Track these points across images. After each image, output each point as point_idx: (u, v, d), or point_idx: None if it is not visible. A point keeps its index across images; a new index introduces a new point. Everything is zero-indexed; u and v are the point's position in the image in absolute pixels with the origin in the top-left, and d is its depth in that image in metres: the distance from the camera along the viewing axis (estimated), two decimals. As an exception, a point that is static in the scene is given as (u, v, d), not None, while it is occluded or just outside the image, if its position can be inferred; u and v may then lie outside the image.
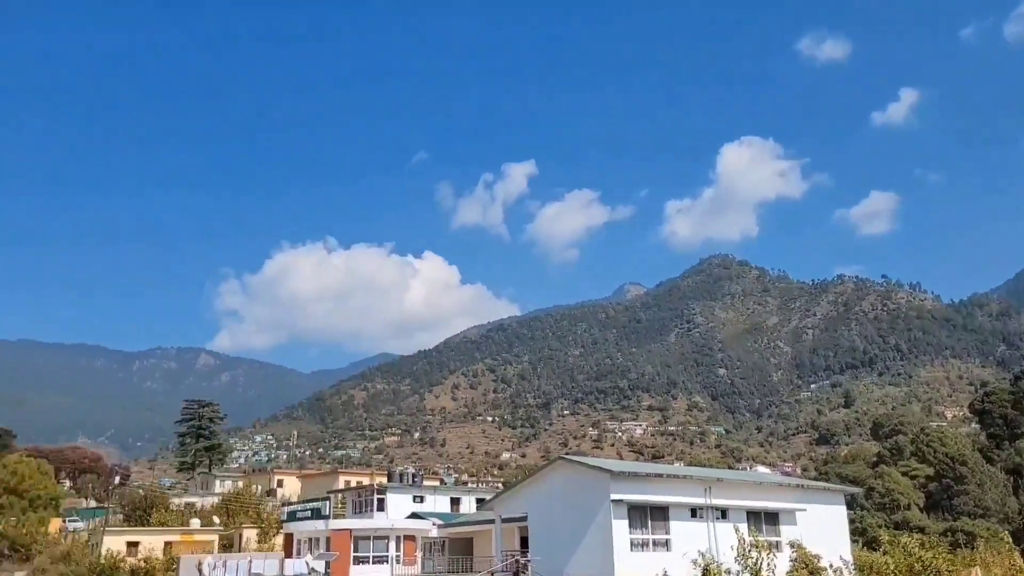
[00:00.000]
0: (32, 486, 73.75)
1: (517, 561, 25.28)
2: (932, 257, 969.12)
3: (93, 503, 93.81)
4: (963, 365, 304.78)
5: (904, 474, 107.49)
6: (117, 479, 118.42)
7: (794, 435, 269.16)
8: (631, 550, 31.47)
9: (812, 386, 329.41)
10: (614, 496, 31.37)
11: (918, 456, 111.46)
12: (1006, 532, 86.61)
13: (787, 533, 35.31)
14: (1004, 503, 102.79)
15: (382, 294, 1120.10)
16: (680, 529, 32.82)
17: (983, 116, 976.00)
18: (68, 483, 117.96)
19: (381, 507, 56.26)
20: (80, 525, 72.63)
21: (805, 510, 36.50)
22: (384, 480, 64.59)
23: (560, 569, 31.12)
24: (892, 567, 21.49)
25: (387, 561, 48.68)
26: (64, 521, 74.24)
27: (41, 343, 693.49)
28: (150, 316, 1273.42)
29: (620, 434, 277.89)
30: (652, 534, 32.38)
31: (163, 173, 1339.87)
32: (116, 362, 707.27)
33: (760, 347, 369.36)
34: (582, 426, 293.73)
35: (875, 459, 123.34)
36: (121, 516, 74.24)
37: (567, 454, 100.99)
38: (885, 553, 22.29)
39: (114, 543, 58.41)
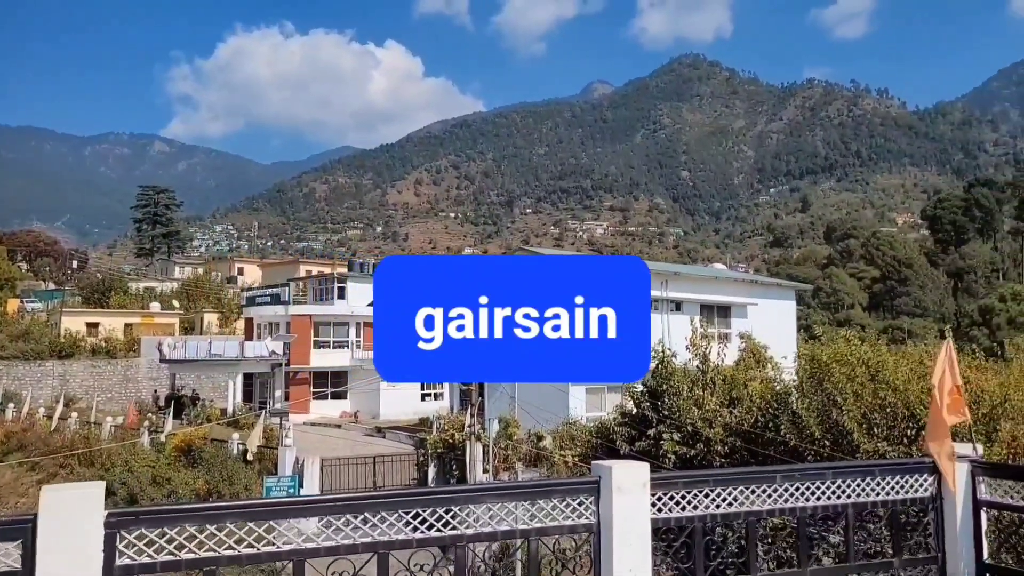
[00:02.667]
0: (-14, 267, 73.20)
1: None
2: (903, 62, 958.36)
3: (51, 286, 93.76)
4: (920, 173, 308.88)
5: (852, 276, 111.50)
6: (75, 263, 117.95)
7: (750, 237, 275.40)
8: (585, 338, 32.18)
9: (772, 190, 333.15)
10: (573, 287, 31.62)
11: (867, 259, 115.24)
12: (949, 328, 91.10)
13: (737, 325, 36.31)
14: (943, 304, 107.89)
15: (343, 83, 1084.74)
16: (635, 319, 33.50)
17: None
18: (24, 266, 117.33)
19: (342, 295, 56.76)
20: (38, 306, 72.84)
21: (756, 304, 37.45)
22: (345, 270, 64.91)
23: (516, 354, 31.92)
24: (826, 356, 22.21)
25: (347, 346, 49.83)
26: (22, 302, 74.32)
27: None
28: (99, 100, 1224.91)
29: (581, 233, 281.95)
30: (607, 323, 33.05)
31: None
32: (67, 146, 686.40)
33: (724, 150, 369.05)
34: (544, 224, 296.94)
35: (825, 261, 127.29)
36: (79, 299, 74.38)
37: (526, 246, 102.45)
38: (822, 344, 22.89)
39: (73, 323, 58.84)
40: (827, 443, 20.86)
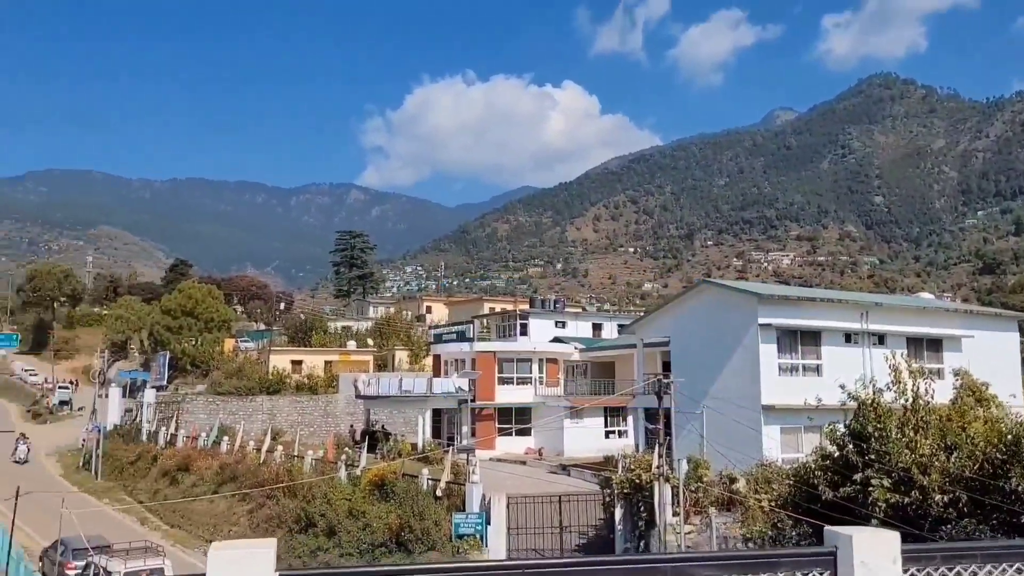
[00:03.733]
0: (205, 309, 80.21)
1: (659, 381, 24.92)
2: None
3: (261, 326, 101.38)
4: None
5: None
6: (282, 305, 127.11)
7: (955, 265, 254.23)
8: (779, 374, 30.56)
9: (979, 213, 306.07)
10: (762, 320, 30.18)
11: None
12: None
13: (950, 360, 33.24)
14: None
15: (521, 126, 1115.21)
16: (833, 354, 31.45)
17: None
18: (239, 308, 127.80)
19: (524, 331, 57.45)
20: (250, 345, 78.79)
21: (972, 337, 34.13)
22: (527, 306, 65.72)
23: (704, 392, 30.72)
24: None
25: (531, 382, 50.14)
26: (236, 341, 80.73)
27: (208, 180, 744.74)
28: (303, 154, 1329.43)
29: (766, 264, 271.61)
30: (802, 359, 31.23)
31: (304, 17, 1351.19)
32: (275, 197, 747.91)
33: (922, 172, 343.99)
34: (726, 256, 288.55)
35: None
36: (285, 338, 79.82)
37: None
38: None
39: (280, 361, 63.05)
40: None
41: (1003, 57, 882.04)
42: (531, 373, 50.54)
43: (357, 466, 33.87)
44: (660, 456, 23.29)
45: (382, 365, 68.40)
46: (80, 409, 75.25)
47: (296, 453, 38.44)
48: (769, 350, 30.34)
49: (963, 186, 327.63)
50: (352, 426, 52.83)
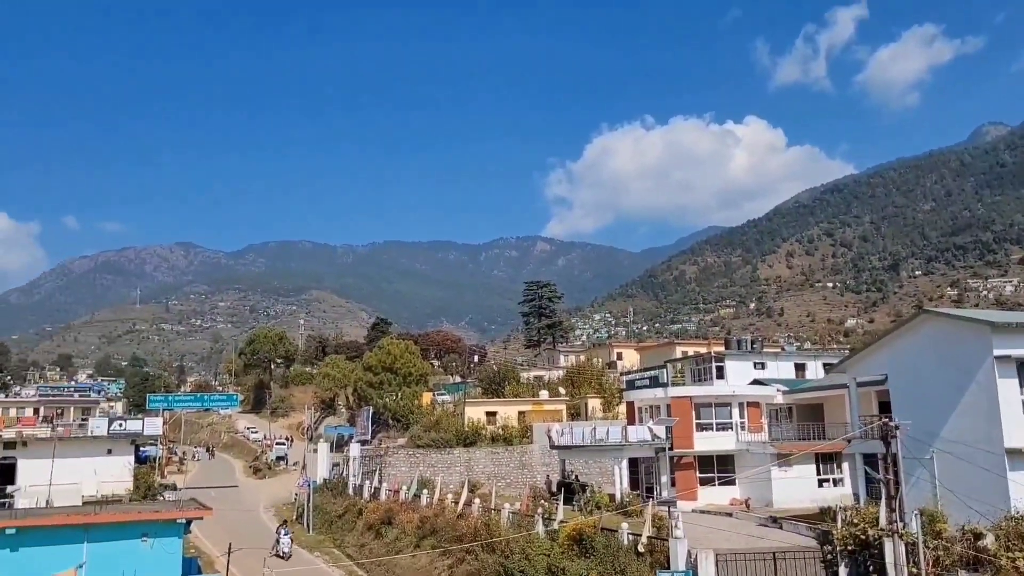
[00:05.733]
0: (404, 365, 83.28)
1: (886, 424, 22.39)
2: None
3: (457, 379, 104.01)
4: None
5: None
6: (476, 358, 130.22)
7: None
8: (1023, 413, 26.83)
9: None
10: (998, 351, 26.70)
11: None
12: None
13: None
14: None
15: (704, 166, 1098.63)
16: (1091, 388, 27.30)
17: None
18: (435, 362, 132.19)
19: (720, 374, 54.93)
20: (447, 398, 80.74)
21: None
22: (722, 348, 62.95)
23: (931, 435, 27.48)
24: None
25: (731, 427, 47.56)
26: (434, 395, 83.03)
27: (403, 242, 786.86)
28: (490, 210, 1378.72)
29: (985, 292, 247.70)
30: (1051, 394, 27.32)
31: (477, 80, 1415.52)
32: (466, 254, 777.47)
33: None
34: (938, 286, 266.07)
35: None
36: (480, 390, 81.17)
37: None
38: None
39: (475, 412, 63.91)
40: None
41: None
42: (731, 418, 47.90)
43: (554, 519, 33.06)
44: (891, 510, 20.75)
45: (575, 414, 67.69)
46: (294, 464, 79.94)
47: (493, 506, 38.21)
48: (1010, 385, 26.73)
49: None
50: (548, 477, 52.25)
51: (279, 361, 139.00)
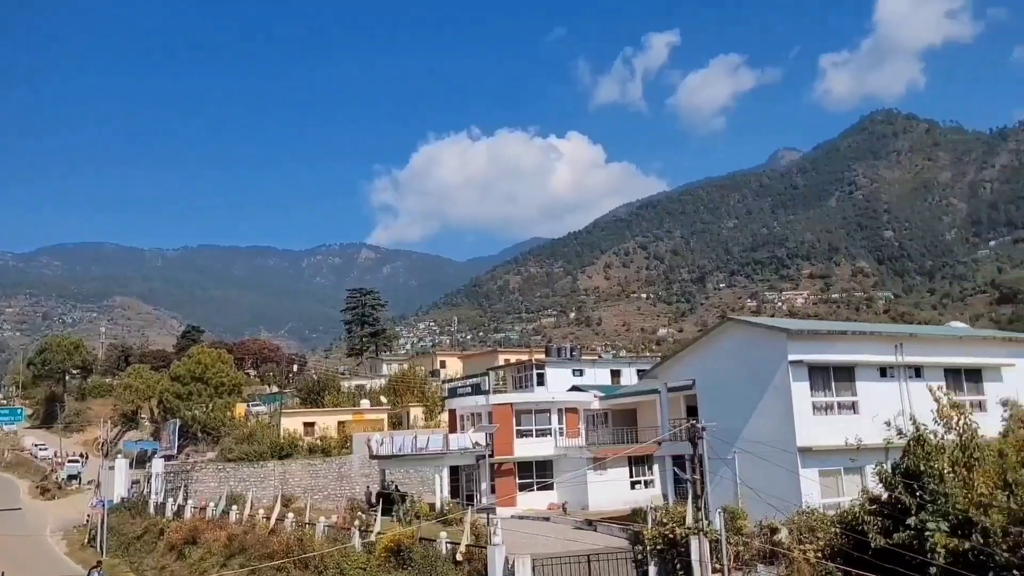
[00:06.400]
0: (215, 374, 78.98)
1: (693, 426, 23.32)
2: None
3: (274, 389, 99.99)
4: None
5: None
6: (295, 366, 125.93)
7: (971, 296, 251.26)
8: (813, 413, 28.85)
9: (991, 243, 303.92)
10: (792, 356, 28.59)
11: None
12: None
13: (992, 391, 31.53)
14: None
15: (528, 178, 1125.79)
16: (868, 390, 29.76)
17: None
18: (251, 372, 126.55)
19: (541, 381, 55.93)
20: (262, 409, 77.32)
21: (1014, 365, 32.38)
22: (542, 356, 64.18)
23: (734, 436, 29.00)
24: None
25: (550, 433, 48.39)
26: (248, 406, 79.26)
27: (219, 247, 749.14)
28: (312, 216, 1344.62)
29: (780, 304, 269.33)
30: (837, 396, 29.54)
31: (310, 75, 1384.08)
32: (287, 260, 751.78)
33: (931, 205, 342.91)
34: (739, 298, 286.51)
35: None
36: (298, 400, 78.36)
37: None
38: None
39: (291, 424, 61.53)
40: None
41: (1003, 87, 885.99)
42: (550, 424, 48.79)
43: (372, 531, 32.09)
44: (697, 508, 21.57)
45: (397, 423, 66.75)
46: (89, 483, 73.65)
47: (307, 520, 36.62)
48: (802, 388, 28.68)
49: (973, 217, 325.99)
50: (368, 488, 51.00)
51: (75, 372, 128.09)
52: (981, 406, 31.20)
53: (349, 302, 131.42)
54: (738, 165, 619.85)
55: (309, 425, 63.38)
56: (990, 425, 25.20)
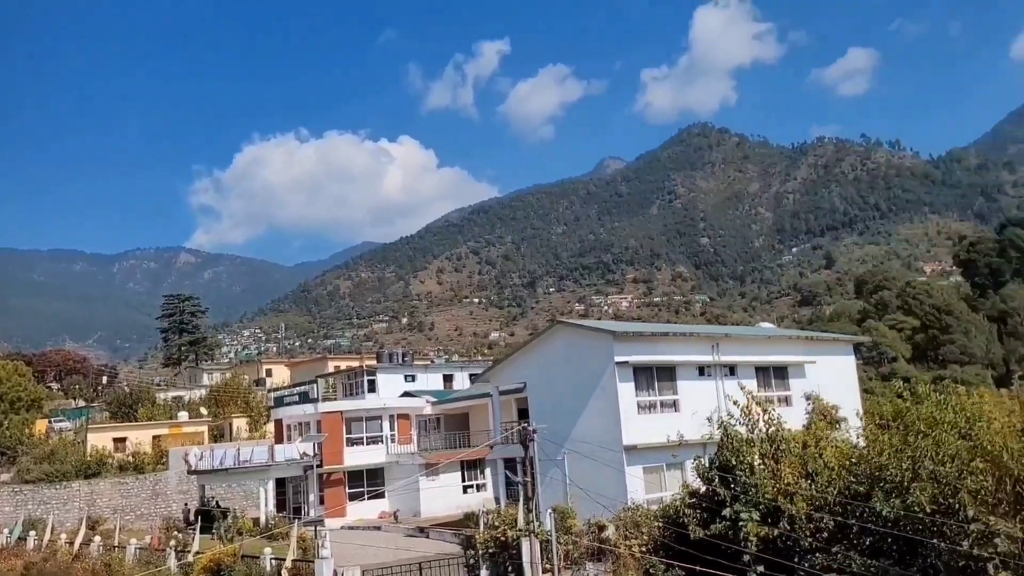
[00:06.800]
0: (11, 389, 71.96)
1: (525, 428, 23.48)
2: (911, 113, 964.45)
3: (81, 403, 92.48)
4: (941, 220, 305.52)
5: (891, 328, 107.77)
6: (104, 379, 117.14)
7: (777, 298, 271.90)
8: (638, 413, 29.87)
9: (794, 250, 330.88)
10: (618, 358, 29.49)
11: (904, 309, 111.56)
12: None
13: (796, 387, 33.88)
14: (989, 350, 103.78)
15: (359, 181, 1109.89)
16: (688, 388, 31.21)
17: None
18: (54, 386, 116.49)
19: (372, 388, 54.84)
20: (67, 425, 71.23)
21: (815, 363, 35.01)
22: (374, 362, 63.10)
23: (565, 437, 29.56)
24: (919, 418, 19.77)
25: (382, 440, 47.56)
26: (50, 422, 72.78)
27: (16, 250, 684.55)
28: (124, 218, 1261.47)
29: (606, 308, 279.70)
30: (660, 395, 30.76)
31: (120, 69, 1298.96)
32: (96, 265, 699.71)
33: (741, 214, 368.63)
34: (568, 302, 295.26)
35: (860, 316, 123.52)
36: (108, 414, 72.87)
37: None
38: (918, 402, 20.39)
39: (99, 440, 57.17)
40: (935, 516, 18.24)
41: (803, 106, 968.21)
42: (382, 431, 47.95)
43: (189, 551, 30.20)
44: (528, 510, 21.69)
45: (219, 435, 63.52)
46: None
47: (117, 543, 33.97)
48: (627, 388, 29.63)
49: (778, 225, 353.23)
50: (186, 505, 48.08)
51: None
52: (787, 401, 33.48)
53: (166, 309, 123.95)
54: (566, 173, 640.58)
55: (120, 441, 59.06)
56: (796, 418, 26.96)
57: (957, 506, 17.18)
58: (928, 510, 17.48)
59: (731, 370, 32.65)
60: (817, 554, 20.05)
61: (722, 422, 23.17)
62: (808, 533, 20.60)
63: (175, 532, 36.51)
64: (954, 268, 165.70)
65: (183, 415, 65.65)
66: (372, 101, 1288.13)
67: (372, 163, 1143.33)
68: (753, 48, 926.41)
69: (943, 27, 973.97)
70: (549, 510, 23.84)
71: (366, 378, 55.14)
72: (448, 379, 59.17)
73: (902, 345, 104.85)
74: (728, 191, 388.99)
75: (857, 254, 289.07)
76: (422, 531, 37.11)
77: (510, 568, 23.30)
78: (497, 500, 37.54)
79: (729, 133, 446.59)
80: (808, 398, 28.45)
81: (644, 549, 23.05)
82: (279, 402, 53.29)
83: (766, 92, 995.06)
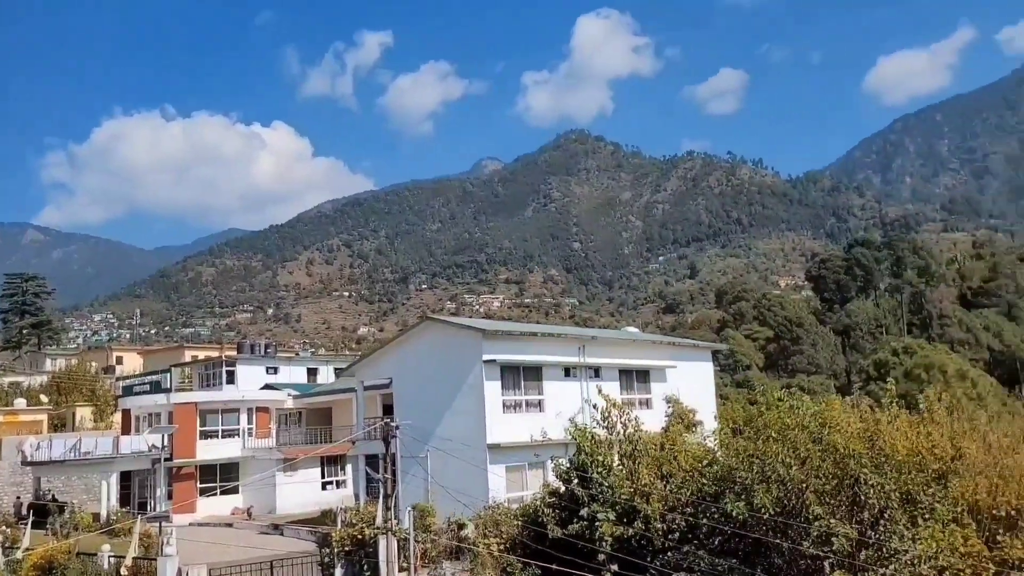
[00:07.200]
0: None
1: (387, 424, 23.03)
2: (774, 134, 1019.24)
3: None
4: (797, 237, 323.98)
5: (747, 337, 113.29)
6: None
7: (643, 305, 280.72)
8: (504, 411, 29.91)
9: (660, 259, 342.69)
10: (486, 356, 29.44)
11: (759, 320, 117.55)
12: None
13: (658, 390, 34.84)
14: (834, 361, 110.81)
15: (229, 166, 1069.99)
16: (554, 389, 31.53)
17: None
18: None
19: (231, 380, 52.70)
20: None
21: (676, 367, 36.10)
22: (234, 353, 60.66)
23: (429, 433, 29.24)
24: (770, 422, 20.71)
25: (238, 434, 45.80)
26: None
27: None
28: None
29: (477, 307, 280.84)
30: (525, 395, 30.93)
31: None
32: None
33: (613, 221, 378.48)
34: (440, 300, 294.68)
35: (719, 324, 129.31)
36: (-68, 399, 67.01)
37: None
38: (769, 408, 21.30)
39: (-79, 427, 52.38)
40: (779, 516, 19.09)
41: (675, 120, 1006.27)
42: (239, 424, 46.15)
43: (19, 547, 28.01)
44: (387, 508, 21.25)
45: (60, 425, 59.48)
46: None
47: (-65, 540, 31.15)
48: (494, 387, 29.62)
49: (647, 234, 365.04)
50: (18, 499, 44.65)
51: None
52: (648, 404, 34.37)
53: (7, 289, 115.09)
54: (444, 170, 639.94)
55: (-57, 429, 54.30)
56: (656, 421, 27.69)
57: (802, 508, 18.00)
58: (772, 511, 18.19)
59: (596, 372, 33.22)
60: (669, 553, 20.57)
61: (577, 424, 23.49)
62: (661, 533, 21.11)
63: (3, 527, 33.82)
64: (806, 283, 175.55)
65: (20, 402, 61.08)
66: (245, 83, 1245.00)
67: (243, 147, 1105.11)
68: (631, 60, 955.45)
69: (806, 55, 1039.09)
70: (409, 508, 23.49)
71: (225, 369, 52.95)
72: (312, 373, 57.64)
73: (756, 354, 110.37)
74: (601, 198, 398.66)
75: (719, 265, 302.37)
76: (277, 528, 35.93)
77: (366, 567, 22.80)
78: (357, 497, 36.83)
79: (605, 141, 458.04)
80: (668, 401, 29.28)
81: (503, 548, 23.06)
82: (128, 391, 50.49)
83: (642, 104, 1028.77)
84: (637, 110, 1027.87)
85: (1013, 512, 18.20)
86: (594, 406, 23.74)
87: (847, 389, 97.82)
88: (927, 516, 17.34)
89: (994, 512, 18.38)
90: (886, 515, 17.17)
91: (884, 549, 16.84)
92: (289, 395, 49.01)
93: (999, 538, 17.46)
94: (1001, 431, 24.70)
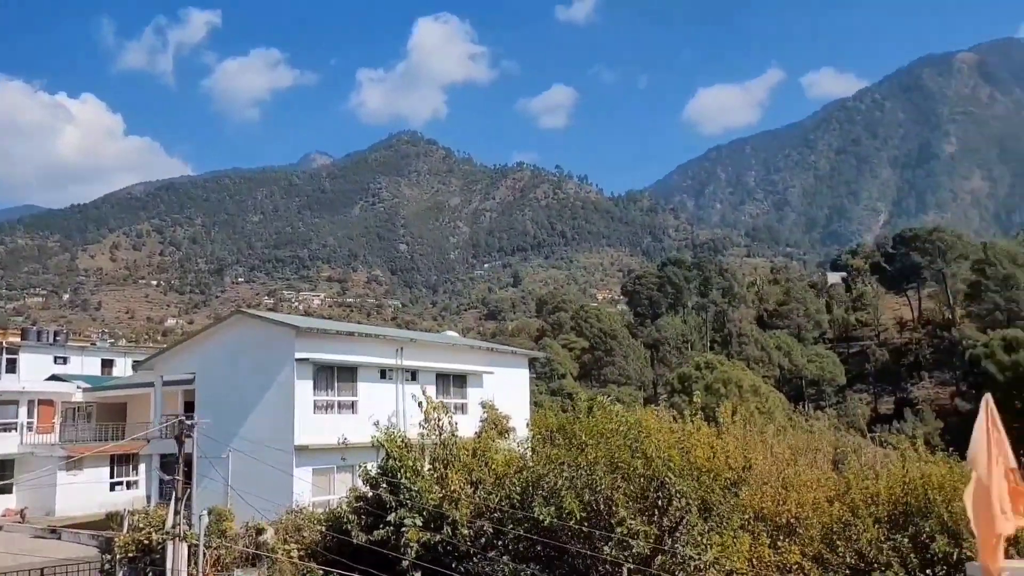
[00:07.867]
0: None
1: (181, 422, 21.53)
2: (599, 153, 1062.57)
3: None
4: (615, 253, 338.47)
5: (563, 346, 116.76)
6: None
7: (466, 310, 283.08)
8: (314, 412, 28.88)
9: (485, 265, 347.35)
10: (299, 354, 28.31)
11: (576, 331, 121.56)
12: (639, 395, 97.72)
13: (474, 395, 34.93)
14: (643, 373, 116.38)
15: (27, 136, 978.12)
16: (368, 391, 30.83)
17: (658, 17, 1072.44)
18: None
19: (12, 368, 47.95)
20: None
21: (493, 373, 36.35)
22: (17, 339, 55.22)
23: (232, 433, 27.69)
24: (584, 429, 21.30)
25: (15, 428, 41.69)
26: None
27: None
28: None
29: (297, 304, 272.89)
30: (338, 396, 30.03)
31: None
32: None
33: (441, 226, 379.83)
34: (257, 294, 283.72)
35: (538, 333, 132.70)
36: None
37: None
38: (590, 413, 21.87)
39: None
40: (585, 521, 19.52)
41: (507, 131, 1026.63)
42: (17, 418, 41.99)
43: None
44: (177, 512, 19.81)
45: None
46: None
47: None
48: (305, 387, 28.53)
49: (474, 241, 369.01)
50: None
51: None
52: (463, 409, 34.34)
53: None
54: (269, 160, 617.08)
55: None
56: (471, 426, 27.67)
57: (610, 513, 18.46)
58: (579, 516, 18.54)
59: (413, 375, 32.85)
60: (473, 559, 20.53)
61: (386, 428, 23.04)
62: (468, 539, 21.03)
63: None
64: (621, 297, 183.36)
65: None
66: (51, 48, 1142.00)
67: (46, 118, 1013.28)
68: (468, 68, 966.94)
69: (634, 79, 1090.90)
70: (203, 512, 22.08)
71: (5, 356, 48.09)
72: (108, 364, 53.57)
73: (571, 363, 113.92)
74: (431, 201, 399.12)
75: (541, 276, 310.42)
76: (53, 532, 32.89)
77: (151, 574, 21.18)
78: (149, 499, 34.46)
79: (437, 145, 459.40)
80: (484, 407, 29.33)
81: (304, 554, 22.16)
82: None
83: (475, 112, 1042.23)
84: (471, 117, 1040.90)
85: (793, 519, 19.57)
86: (420, 404, 23.32)
87: (654, 400, 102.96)
88: (723, 523, 18.26)
89: (777, 520, 19.67)
90: (685, 520, 17.92)
91: (678, 556, 17.55)
92: (79, 387, 45.23)
93: (778, 544, 18.72)
94: (786, 444, 26.60)
